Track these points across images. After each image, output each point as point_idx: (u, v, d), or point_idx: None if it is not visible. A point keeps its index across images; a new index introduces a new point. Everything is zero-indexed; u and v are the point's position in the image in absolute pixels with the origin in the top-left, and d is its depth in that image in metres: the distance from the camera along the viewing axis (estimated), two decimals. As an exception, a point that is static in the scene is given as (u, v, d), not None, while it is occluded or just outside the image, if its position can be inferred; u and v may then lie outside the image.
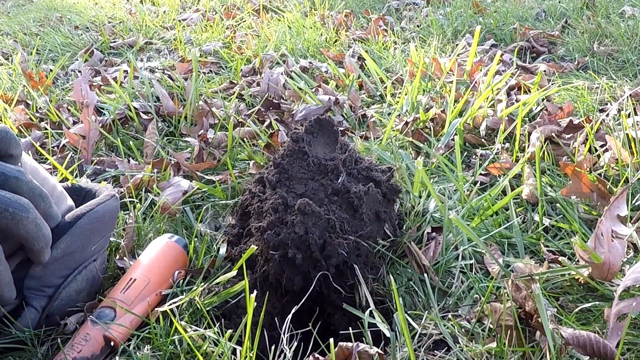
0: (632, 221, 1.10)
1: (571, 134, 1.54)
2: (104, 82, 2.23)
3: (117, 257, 1.08)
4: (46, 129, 1.71)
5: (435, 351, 0.87)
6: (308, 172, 1.09)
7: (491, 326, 0.87)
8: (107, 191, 1.01)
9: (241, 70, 2.43)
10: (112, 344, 0.86)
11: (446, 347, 0.88)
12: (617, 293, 0.85)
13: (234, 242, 1.14)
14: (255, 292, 0.82)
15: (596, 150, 1.42)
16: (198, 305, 0.93)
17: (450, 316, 0.92)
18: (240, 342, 0.92)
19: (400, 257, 1.10)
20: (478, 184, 1.31)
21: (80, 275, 0.94)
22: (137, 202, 1.25)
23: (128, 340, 0.89)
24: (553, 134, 1.49)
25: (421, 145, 1.56)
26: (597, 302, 0.92)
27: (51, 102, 1.99)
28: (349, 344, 0.82)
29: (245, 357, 0.80)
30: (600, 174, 1.32)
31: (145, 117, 1.79)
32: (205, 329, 0.90)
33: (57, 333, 0.90)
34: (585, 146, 1.43)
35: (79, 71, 2.45)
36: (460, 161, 1.31)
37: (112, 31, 3.30)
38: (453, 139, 1.56)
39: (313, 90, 2.03)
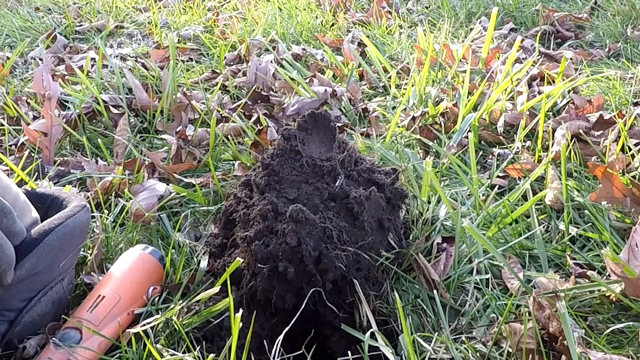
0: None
1: (601, 131, 1.54)
2: (68, 71, 2.23)
3: (84, 271, 1.08)
4: (2, 125, 1.71)
5: (446, 378, 0.87)
6: (301, 175, 1.09)
7: (510, 350, 0.87)
8: (76, 201, 1.00)
9: (225, 58, 2.43)
10: (77, 370, 0.86)
11: (459, 374, 0.88)
12: (653, 312, 0.86)
13: (216, 254, 1.14)
14: (241, 311, 0.82)
15: (630, 149, 1.42)
16: (176, 326, 0.92)
17: (463, 338, 0.92)
18: (223, 369, 0.92)
19: (406, 271, 1.10)
20: (496, 188, 1.31)
21: (45, 297, 0.94)
22: (106, 209, 1.25)
23: (95, 366, 0.89)
24: (581, 131, 1.50)
25: (430, 143, 1.56)
26: (631, 323, 0.92)
27: (8, 94, 1.99)
28: (348, 370, 0.82)
29: (230, 385, 0.80)
30: (634, 177, 1.32)
31: (115, 111, 1.79)
32: (183, 353, 0.90)
33: (16, 358, 0.89)
34: (617, 145, 1.43)
35: (40, 59, 2.45)
36: (474, 162, 1.31)
37: (78, 13, 3.30)
38: (466, 137, 1.56)
39: (307, 80, 2.04)
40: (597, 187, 1.29)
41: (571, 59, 2.22)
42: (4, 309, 0.90)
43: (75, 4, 3.54)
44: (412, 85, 1.93)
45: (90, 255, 1.10)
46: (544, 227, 1.21)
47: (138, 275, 1.01)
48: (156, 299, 1.00)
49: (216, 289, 0.94)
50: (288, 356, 0.92)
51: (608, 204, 1.22)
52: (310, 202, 1.05)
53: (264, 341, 1.01)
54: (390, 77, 2.10)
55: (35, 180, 1.38)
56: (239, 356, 0.90)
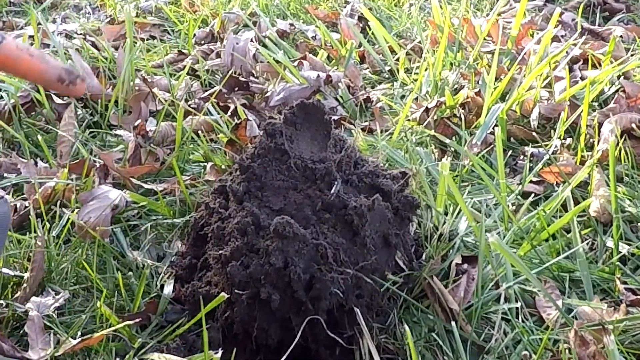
0: None
1: (658, 126, 1.55)
2: (0, 51, 2.23)
3: (18, 297, 1.07)
4: None
5: None
6: (289, 179, 1.09)
7: (546, 395, 0.88)
8: None
9: (194, 35, 2.43)
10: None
11: None
12: None
13: (184, 277, 1.14)
14: (220, 351, 0.82)
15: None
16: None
17: (488, 381, 0.93)
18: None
19: (418, 298, 1.10)
20: (531, 197, 1.31)
21: None
22: (47, 221, 1.25)
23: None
24: (633, 125, 1.50)
25: (447, 141, 1.56)
26: (694, 361, 0.93)
27: None
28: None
29: None
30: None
31: (59, 101, 1.79)
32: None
33: None
34: (677, 142, 1.44)
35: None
36: (502, 163, 1.32)
37: (13, -20, 3.30)
38: (492, 133, 1.57)
39: (295, 63, 2.04)
40: (652, 194, 1.29)
41: (621, 36, 2.23)
42: None
43: (9, -32, 3.54)
44: (425, 70, 1.93)
45: (29, 275, 1.09)
46: (588, 244, 1.21)
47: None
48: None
49: (186, 326, 0.93)
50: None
51: (666, 215, 1.22)
52: (299, 213, 1.05)
53: (243, 385, 1.01)
54: (398, 60, 2.11)
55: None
56: (211, 404, 0.90)
